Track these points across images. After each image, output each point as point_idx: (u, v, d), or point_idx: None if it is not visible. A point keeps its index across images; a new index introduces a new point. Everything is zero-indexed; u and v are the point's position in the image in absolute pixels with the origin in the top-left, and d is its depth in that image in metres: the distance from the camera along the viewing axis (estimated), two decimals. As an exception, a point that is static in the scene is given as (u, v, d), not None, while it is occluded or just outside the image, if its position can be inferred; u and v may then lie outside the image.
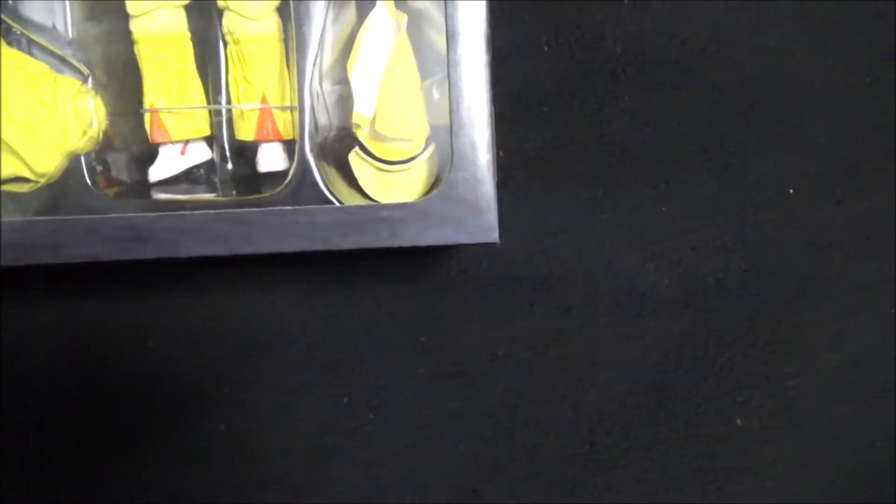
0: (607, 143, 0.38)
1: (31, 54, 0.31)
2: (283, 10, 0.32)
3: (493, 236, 0.30)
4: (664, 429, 0.38)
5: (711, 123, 0.38)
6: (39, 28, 0.30)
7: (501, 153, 0.37)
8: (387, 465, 0.37)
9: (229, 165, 0.33)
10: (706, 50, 0.38)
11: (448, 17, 0.29)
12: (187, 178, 0.33)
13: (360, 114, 0.31)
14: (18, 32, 0.30)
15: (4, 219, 0.28)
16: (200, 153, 0.33)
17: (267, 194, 0.30)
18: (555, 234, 0.38)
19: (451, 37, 0.29)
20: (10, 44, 0.31)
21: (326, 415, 0.37)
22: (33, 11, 0.30)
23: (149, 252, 0.29)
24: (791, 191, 0.39)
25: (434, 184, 0.32)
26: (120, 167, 0.31)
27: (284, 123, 0.32)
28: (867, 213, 0.39)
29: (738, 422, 0.37)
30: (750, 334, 0.39)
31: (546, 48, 0.37)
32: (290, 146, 0.33)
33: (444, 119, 0.30)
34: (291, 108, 0.32)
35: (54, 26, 0.30)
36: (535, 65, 0.37)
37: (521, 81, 0.37)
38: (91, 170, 0.29)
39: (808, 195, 0.39)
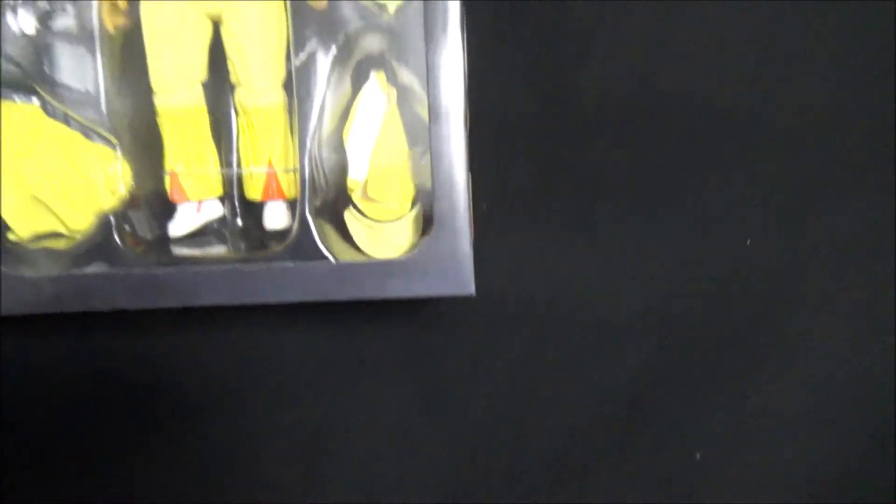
0: (583, 181, 0.41)
1: (66, 123, 0.35)
2: (287, 85, 0.36)
3: (470, 289, 0.33)
4: (633, 443, 0.42)
5: (681, 162, 0.42)
6: (75, 100, 0.35)
7: (485, 206, 0.41)
8: (375, 469, 0.41)
9: (239, 221, 0.37)
10: (676, 94, 0.42)
11: (430, 97, 0.33)
12: (202, 231, 0.37)
13: (354, 179, 0.35)
14: (56, 105, 0.34)
15: (41, 272, 0.33)
16: (214, 210, 0.37)
17: (271, 251, 0.34)
18: (534, 264, 0.41)
19: (433, 113, 0.33)
20: (48, 113, 0.35)
21: (319, 425, 0.40)
22: (71, 85, 0.35)
23: (167, 302, 0.33)
24: (748, 242, 0.43)
25: (419, 239, 0.35)
26: (143, 223, 0.36)
27: (288, 184, 0.36)
28: (831, 242, 0.43)
29: (697, 456, 0.41)
30: (716, 359, 0.42)
31: (526, 90, 0.41)
32: (292, 204, 0.37)
33: (428, 183, 0.34)
34: (294, 171, 0.36)
35: (88, 97, 0.35)
36: (517, 106, 0.41)
37: (503, 122, 0.41)
38: (119, 228, 0.33)
39: (769, 229, 0.43)
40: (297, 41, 0.35)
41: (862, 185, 0.43)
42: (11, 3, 0.32)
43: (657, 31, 0.40)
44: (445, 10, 0.32)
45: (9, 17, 0.32)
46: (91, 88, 0.34)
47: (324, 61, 0.36)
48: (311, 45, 0.35)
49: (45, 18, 0.32)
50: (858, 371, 0.43)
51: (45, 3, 0.32)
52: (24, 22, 0.32)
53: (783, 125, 0.42)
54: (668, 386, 0.41)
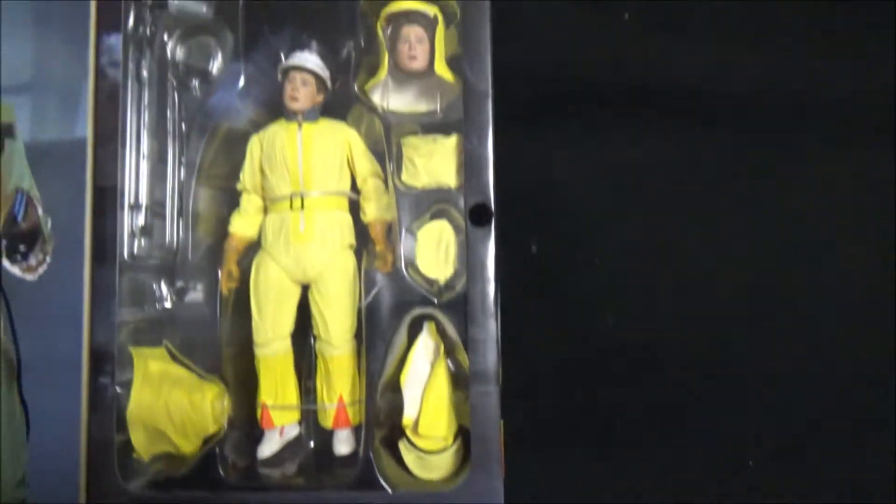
0: (601, 414, 0.49)
1: (186, 367, 0.45)
2: (357, 334, 0.45)
3: (500, 519, 0.40)
4: None
5: (685, 396, 0.48)
6: (195, 349, 0.44)
7: (517, 418, 0.48)
8: None
9: (311, 443, 0.45)
10: (677, 341, 0.49)
11: (471, 362, 0.41)
12: (282, 450, 0.45)
13: (408, 416, 0.43)
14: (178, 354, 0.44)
15: (157, 491, 0.41)
16: (292, 432, 0.45)
17: (338, 479, 0.42)
18: (559, 484, 0.47)
19: (472, 375, 0.41)
20: (172, 357, 0.45)
21: None
22: (194, 335, 0.44)
23: (255, 520, 0.40)
24: (750, 463, 0.49)
25: (460, 467, 0.43)
26: (237, 444, 0.44)
27: (354, 414, 0.45)
28: (827, 471, 0.48)
29: None
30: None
31: (552, 343, 0.49)
32: (357, 428, 0.45)
33: (468, 421, 0.42)
34: (360, 402, 0.44)
35: (207, 347, 0.44)
36: (543, 348, 0.49)
37: (532, 361, 0.48)
38: (221, 458, 0.42)
39: (769, 453, 0.48)
40: (367, 289, 0.45)
41: (855, 417, 0.49)
42: (154, 283, 0.42)
43: (660, 288, 0.49)
44: (485, 297, 0.41)
45: (155, 291, 0.43)
46: (209, 340, 0.44)
47: (387, 313, 0.45)
48: (377, 294, 0.45)
49: (180, 293, 0.43)
50: None
51: (181, 281, 0.43)
52: (166, 299, 0.43)
53: (774, 364, 0.49)
54: None
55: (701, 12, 0.53)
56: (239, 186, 0.46)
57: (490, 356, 0.41)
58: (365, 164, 0.46)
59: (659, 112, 0.52)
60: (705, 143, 0.52)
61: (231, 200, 0.46)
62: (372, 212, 0.45)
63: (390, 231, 0.46)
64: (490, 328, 0.41)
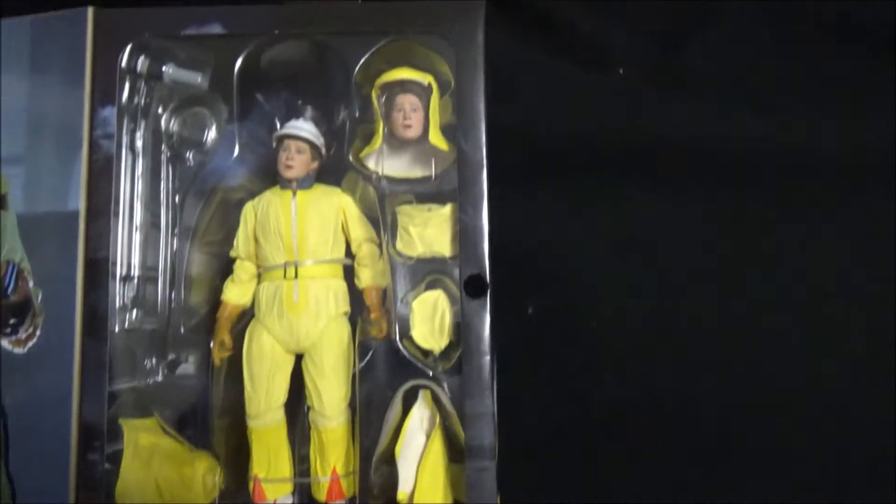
0: (596, 484, 0.48)
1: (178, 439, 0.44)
2: (352, 402, 0.44)
3: None
4: None
5: (679, 458, 0.48)
6: (186, 421, 0.44)
7: (505, 496, 0.47)
8: None
9: (306, 517, 0.44)
10: (672, 404, 0.48)
11: (467, 436, 0.40)
12: (275, 521, 0.44)
13: (403, 491, 0.42)
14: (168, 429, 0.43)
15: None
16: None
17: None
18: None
19: (468, 449, 0.40)
20: (163, 430, 0.44)
21: None
22: (185, 409, 0.44)
23: None
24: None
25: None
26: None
27: (348, 486, 0.44)
28: None
29: None
30: None
31: (547, 399, 0.48)
32: (351, 501, 0.44)
33: (463, 496, 0.41)
34: (354, 473, 0.43)
35: (197, 419, 0.44)
36: (540, 415, 0.48)
37: (529, 429, 0.48)
38: (211, 534, 0.41)
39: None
40: (361, 356, 0.44)
41: (864, 477, 0.48)
42: (146, 355, 0.42)
43: (658, 350, 0.48)
44: (481, 371, 0.40)
45: (146, 364, 0.42)
46: (200, 411, 0.43)
47: (381, 384, 0.44)
48: (372, 365, 0.44)
49: (171, 366, 0.42)
50: None
51: (172, 355, 0.42)
52: (157, 371, 0.42)
53: (777, 426, 0.48)
54: None
55: (696, 68, 0.54)
56: (232, 253, 0.45)
57: (487, 431, 0.40)
58: (359, 230, 0.45)
59: (654, 171, 0.52)
60: (702, 202, 0.51)
61: (224, 267, 0.45)
62: (367, 278, 0.45)
63: (385, 297, 0.45)
64: (486, 402, 0.40)
